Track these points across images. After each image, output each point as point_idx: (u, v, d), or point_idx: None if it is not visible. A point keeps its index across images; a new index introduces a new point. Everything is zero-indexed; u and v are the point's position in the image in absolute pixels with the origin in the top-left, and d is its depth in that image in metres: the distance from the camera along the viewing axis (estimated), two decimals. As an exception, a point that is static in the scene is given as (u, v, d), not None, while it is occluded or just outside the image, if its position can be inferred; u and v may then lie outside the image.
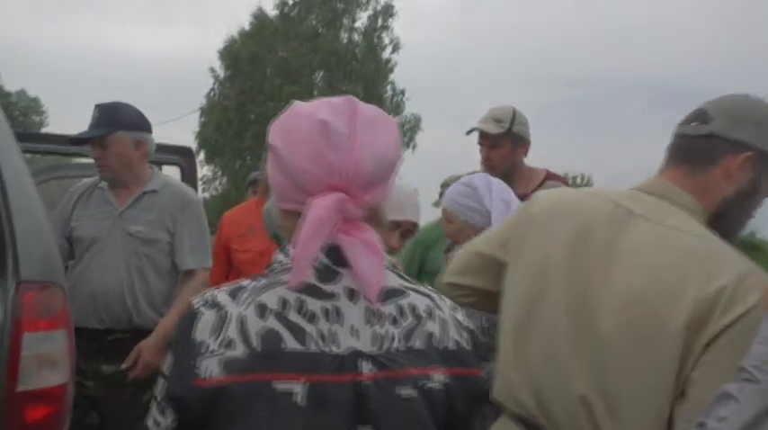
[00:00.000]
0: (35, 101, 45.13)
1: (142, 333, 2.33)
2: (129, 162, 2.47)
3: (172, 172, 3.28)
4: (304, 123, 0.92)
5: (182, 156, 3.24)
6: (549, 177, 2.69)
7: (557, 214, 1.26)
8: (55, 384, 1.64)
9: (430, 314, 0.94)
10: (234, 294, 0.90)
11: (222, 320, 0.88)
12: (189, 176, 3.24)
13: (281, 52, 29.54)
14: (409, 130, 31.29)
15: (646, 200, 1.22)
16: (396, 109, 31.79)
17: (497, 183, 2.03)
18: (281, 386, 0.85)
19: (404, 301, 0.93)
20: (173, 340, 0.92)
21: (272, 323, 0.87)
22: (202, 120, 30.57)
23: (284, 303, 0.88)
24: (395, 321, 0.91)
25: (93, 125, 2.42)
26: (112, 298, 2.36)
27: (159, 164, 3.48)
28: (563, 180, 2.76)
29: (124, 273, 2.40)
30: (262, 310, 0.88)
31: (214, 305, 0.90)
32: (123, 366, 2.28)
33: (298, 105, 0.96)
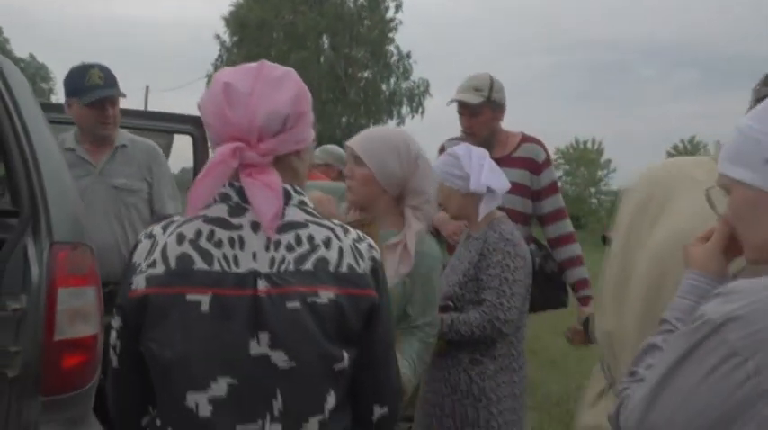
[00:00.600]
0: (43, 67, 45.04)
1: None
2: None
3: (184, 141, 3.41)
4: (214, 86, 1.12)
5: (194, 126, 3.33)
6: (525, 140, 2.81)
7: (635, 187, 1.44)
8: (87, 334, 1.81)
9: (327, 243, 1.11)
10: (165, 227, 1.13)
11: (152, 246, 1.10)
12: (201, 145, 3.35)
13: (288, 16, 29.18)
14: (418, 95, 31.02)
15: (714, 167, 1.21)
16: (404, 73, 31.46)
17: (477, 151, 2.19)
18: (190, 297, 1.05)
19: (303, 232, 1.11)
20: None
21: (187, 248, 1.07)
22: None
23: (198, 233, 1.09)
24: (290, 248, 1.09)
25: (106, 85, 2.54)
26: (108, 250, 2.46)
27: (171, 133, 3.62)
28: (538, 142, 2.83)
29: (116, 226, 2.58)
30: (180, 238, 1.09)
31: (150, 236, 1.12)
32: None
33: (219, 71, 1.16)
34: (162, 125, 3.33)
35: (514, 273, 2.09)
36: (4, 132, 1.81)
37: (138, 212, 2.66)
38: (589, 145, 46.05)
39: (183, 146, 3.58)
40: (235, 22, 30.02)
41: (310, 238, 1.11)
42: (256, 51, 28.66)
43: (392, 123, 31.08)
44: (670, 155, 43.86)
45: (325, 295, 1.07)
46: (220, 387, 1.04)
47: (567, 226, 2.83)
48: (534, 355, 5.78)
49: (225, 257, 1.07)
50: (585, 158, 45.34)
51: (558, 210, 2.80)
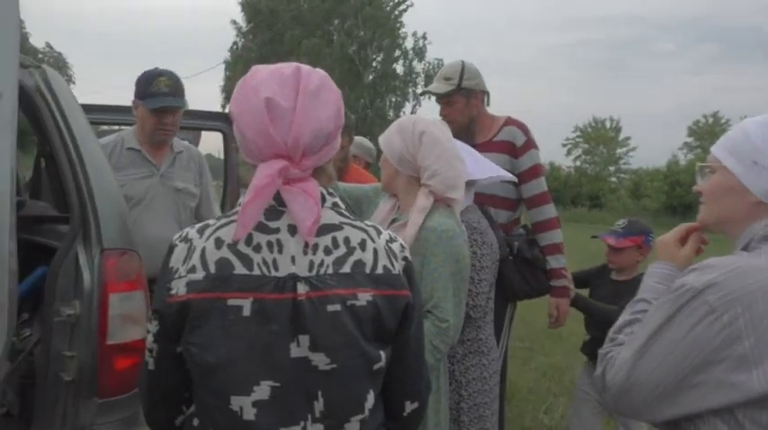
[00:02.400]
0: (60, 57, 45.21)
1: None
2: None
3: (214, 137, 3.44)
4: (252, 98, 1.08)
5: (224, 122, 3.35)
6: (508, 123, 2.78)
7: None
8: (138, 338, 1.84)
9: (362, 245, 1.13)
10: (201, 230, 1.12)
11: (189, 251, 1.10)
12: (232, 142, 3.39)
13: (300, 2, 29.09)
14: (432, 76, 30.82)
15: None
16: (419, 53, 31.24)
17: (458, 144, 2.17)
18: (231, 302, 1.05)
19: (339, 234, 1.12)
20: (160, 267, 1.15)
21: (226, 253, 1.08)
22: (227, 74, 30.49)
23: None
24: (328, 251, 1.10)
25: (170, 94, 2.64)
26: (163, 248, 2.56)
27: (201, 129, 3.66)
28: (520, 125, 2.79)
29: (175, 225, 2.68)
30: (218, 243, 1.09)
31: (186, 240, 1.12)
32: None
33: (254, 74, 1.12)
34: (193, 122, 3.35)
35: (481, 260, 2.10)
36: (53, 140, 1.85)
37: (191, 215, 2.81)
38: (607, 123, 45.49)
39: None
40: (249, 8, 29.98)
41: (346, 241, 1.12)
42: (269, 36, 28.64)
43: (408, 106, 30.95)
44: (692, 131, 43.20)
45: (364, 297, 1.09)
46: (263, 390, 1.05)
47: (547, 211, 2.75)
48: (560, 341, 5.79)
49: (264, 261, 1.07)
50: (604, 137, 44.82)
51: (539, 195, 2.75)
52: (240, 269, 1.06)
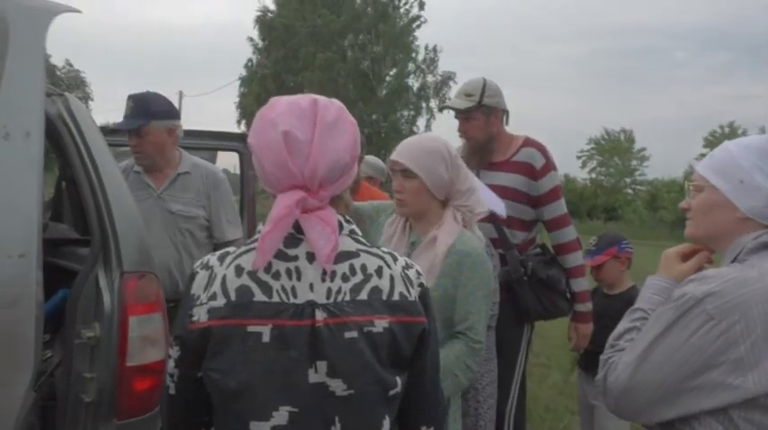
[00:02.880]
0: (78, 75, 45.86)
1: None
2: (163, 148, 2.73)
3: (231, 157, 3.48)
4: (270, 132, 1.11)
5: (240, 143, 3.39)
6: (527, 144, 2.76)
7: None
8: (156, 360, 1.87)
9: (379, 272, 1.14)
10: (222, 258, 1.15)
11: (210, 278, 1.12)
12: (248, 162, 3.43)
13: (314, 18, 29.39)
14: (444, 89, 30.93)
15: None
16: (430, 66, 31.38)
17: None
18: (251, 329, 1.07)
19: (356, 262, 1.14)
20: (182, 294, 1.17)
21: (245, 280, 1.10)
22: (242, 90, 30.82)
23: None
24: (345, 278, 1.12)
25: (130, 116, 2.64)
26: (161, 271, 2.56)
27: (218, 150, 3.70)
28: (539, 146, 2.77)
29: (171, 249, 2.67)
30: (238, 271, 1.11)
31: (207, 267, 1.14)
32: None
33: (272, 106, 1.15)
34: (209, 143, 3.40)
35: (493, 271, 2.14)
36: (74, 165, 1.89)
37: (192, 237, 2.75)
38: (621, 136, 45.29)
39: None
40: (264, 25, 30.33)
41: (363, 268, 1.14)
42: (283, 53, 28.93)
43: (422, 120, 31.02)
44: (708, 142, 42.82)
45: (380, 324, 1.11)
46: (282, 415, 1.07)
47: (568, 233, 2.75)
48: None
49: (283, 289, 1.09)
50: (619, 148, 44.62)
51: (559, 218, 2.74)
52: (260, 296, 1.09)
